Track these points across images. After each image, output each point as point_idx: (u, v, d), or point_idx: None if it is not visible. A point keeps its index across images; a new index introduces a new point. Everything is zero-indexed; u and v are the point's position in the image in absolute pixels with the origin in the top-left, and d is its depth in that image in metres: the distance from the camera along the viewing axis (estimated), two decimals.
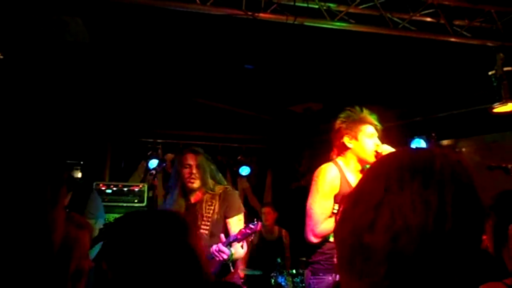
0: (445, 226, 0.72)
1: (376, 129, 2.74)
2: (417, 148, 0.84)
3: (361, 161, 2.69)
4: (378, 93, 4.91)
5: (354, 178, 2.67)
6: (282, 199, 6.32)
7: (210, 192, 2.83)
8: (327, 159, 2.78)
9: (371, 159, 2.65)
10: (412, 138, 5.08)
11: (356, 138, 2.68)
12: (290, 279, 4.40)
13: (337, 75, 4.61)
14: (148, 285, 1.14)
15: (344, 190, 2.58)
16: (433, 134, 5.09)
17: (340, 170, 2.67)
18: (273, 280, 4.51)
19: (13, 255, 0.86)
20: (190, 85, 4.97)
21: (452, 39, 3.53)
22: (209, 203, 2.81)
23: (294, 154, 6.49)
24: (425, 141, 5.06)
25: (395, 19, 3.43)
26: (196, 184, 2.83)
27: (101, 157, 5.77)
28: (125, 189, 5.05)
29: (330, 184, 2.62)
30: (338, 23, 3.28)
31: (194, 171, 2.83)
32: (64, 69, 4.15)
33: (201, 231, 2.73)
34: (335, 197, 2.62)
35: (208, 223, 2.76)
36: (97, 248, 3.32)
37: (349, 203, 0.81)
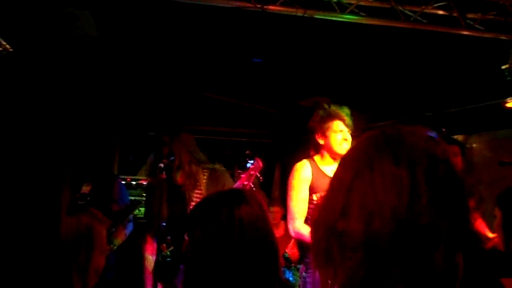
0: (419, 205, 0.67)
1: (345, 124, 2.83)
2: (384, 128, 0.78)
3: (334, 156, 2.80)
4: (389, 87, 4.86)
5: (331, 170, 2.75)
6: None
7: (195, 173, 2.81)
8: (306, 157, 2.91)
9: (343, 153, 2.70)
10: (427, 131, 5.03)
11: (325, 135, 2.82)
12: (298, 273, 4.38)
13: (347, 70, 4.56)
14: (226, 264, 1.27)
15: (319, 181, 2.72)
16: (444, 130, 5.03)
17: (314, 164, 2.82)
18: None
19: (17, 248, 0.86)
20: (199, 79, 4.96)
21: (465, 32, 3.48)
22: (197, 181, 2.79)
23: (302, 148, 6.46)
24: (435, 136, 5.00)
25: (407, 11, 3.37)
26: (183, 162, 2.80)
27: (110, 151, 5.78)
28: (134, 182, 5.06)
29: (301, 178, 2.76)
30: (348, 16, 3.23)
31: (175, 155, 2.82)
32: (72, 63, 4.16)
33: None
34: (310, 188, 2.74)
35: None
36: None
37: (324, 194, 0.79)
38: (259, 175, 2.66)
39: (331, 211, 0.73)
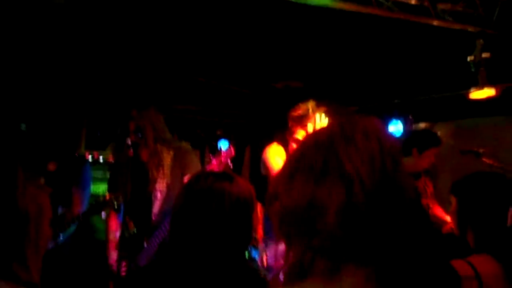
0: (387, 174, 0.78)
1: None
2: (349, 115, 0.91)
3: None
4: (358, 73, 4.92)
5: None
6: (259, 175, 6.35)
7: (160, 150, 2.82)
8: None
9: None
10: (389, 119, 5.14)
11: (306, 131, 2.96)
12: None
13: (319, 53, 4.59)
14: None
15: None
16: (410, 117, 5.16)
17: None
18: (247, 253, 4.57)
19: None
20: (171, 57, 4.88)
21: (435, 23, 3.54)
22: (162, 158, 2.80)
23: (273, 130, 6.50)
24: (402, 123, 5.12)
25: None
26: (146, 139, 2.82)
27: (77, 126, 5.65)
28: (101, 158, 4.98)
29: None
30: (321, 0, 3.23)
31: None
32: (38, 31, 4.01)
33: (157, 187, 2.72)
34: None
35: (164, 179, 2.75)
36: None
37: (288, 171, 0.84)
38: (229, 162, 2.69)
39: (308, 182, 0.80)
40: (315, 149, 0.82)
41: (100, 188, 3.43)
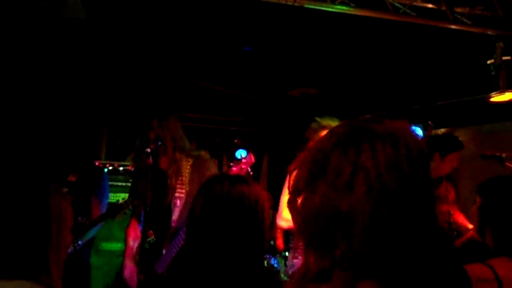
0: (410, 188, 0.77)
1: None
2: (366, 118, 0.88)
3: None
4: (376, 79, 4.90)
5: None
6: (278, 183, 6.34)
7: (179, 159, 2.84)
8: None
9: None
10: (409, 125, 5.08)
11: None
12: (283, 261, 4.45)
13: (336, 61, 4.59)
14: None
15: None
16: (430, 123, 5.09)
17: None
18: (266, 262, 4.56)
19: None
20: (189, 67, 4.94)
21: (453, 27, 3.51)
22: (181, 166, 2.82)
23: (290, 138, 6.50)
24: (422, 129, 5.06)
25: (396, 4, 3.39)
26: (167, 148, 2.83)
27: (98, 136, 5.75)
28: (121, 168, 5.05)
29: None
30: (338, 6, 3.24)
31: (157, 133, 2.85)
32: (61, 46, 4.12)
33: (177, 195, 2.74)
34: None
35: (183, 187, 2.77)
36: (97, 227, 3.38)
37: (312, 171, 0.83)
38: (249, 170, 2.70)
39: (333, 194, 0.78)
40: (341, 155, 0.80)
41: (120, 197, 3.49)
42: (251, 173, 2.72)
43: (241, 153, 6.42)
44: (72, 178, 3.45)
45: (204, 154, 2.95)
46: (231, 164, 2.72)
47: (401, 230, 0.75)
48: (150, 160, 2.74)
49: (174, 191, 2.78)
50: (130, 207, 3.19)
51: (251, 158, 2.66)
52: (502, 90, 3.58)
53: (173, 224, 2.72)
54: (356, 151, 0.79)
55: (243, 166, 2.64)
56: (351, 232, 0.75)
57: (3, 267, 0.98)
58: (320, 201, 0.79)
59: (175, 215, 2.74)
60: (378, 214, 0.75)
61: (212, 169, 2.91)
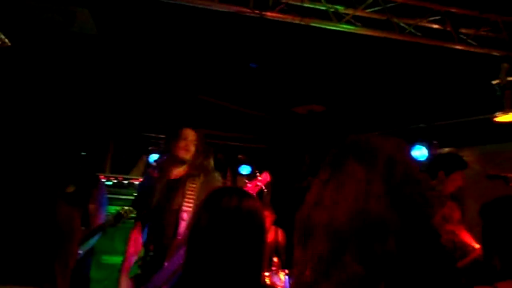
0: (372, 201, 0.79)
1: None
2: (352, 136, 0.92)
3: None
4: (382, 97, 4.92)
5: None
6: (281, 200, 6.32)
7: (195, 170, 2.85)
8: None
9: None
10: (414, 144, 5.08)
11: None
12: (284, 277, 4.40)
13: (341, 78, 4.62)
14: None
15: None
16: (435, 142, 5.09)
17: None
18: (268, 280, 4.51)
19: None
20: (194, 82, 4.99)
21: (458, 47, 3.54)
22: (192, 180, 2.82)
23: (295, 155, 6.50)
24: (426, 148, 5.06)
25: (402, 24, 3.43)
26: (188, 156, 2.85)
27: (103, 150, 5.78)
28: (125, 182, 5.06)
29: None
30: (344, 26, 3.28)
31: (190, 144, 2.88)
32: (70, 60, 4.17)
33: (185, 208, 2.74)
34: None
35: (191, 201, 2.76)
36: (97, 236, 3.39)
37: (334, 181, 0.85)
38: (264, 188, 2.70)
39: (308, 205, 0.85)
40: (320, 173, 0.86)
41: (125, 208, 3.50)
42: (265, 190, 2.72)
43: (243, 170, 6.42)
44: (69, 190, 3.47)
45: (217, 175, 2.98)
46: (246, 181, 2.72)
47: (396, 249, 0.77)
48: (156, 173, 2.75)
49: (183, 204, 2.78)
50: (130, 215, 3.21)
51: (267, 176, 2.68)
52: (506, 110, 3.59)
53: (179, 237, 2.71)
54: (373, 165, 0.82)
55: (258, 183, 2.65)
56: (316, 236, 0.81)
57: (9, 274, 0.98)
58: (347, 207, 0.82)
59: (181, 229, 2.73)
60: (334, 223, 0.79)
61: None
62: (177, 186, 2.82)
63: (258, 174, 2.68)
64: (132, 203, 3.22)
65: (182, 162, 2.87)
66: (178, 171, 2.88)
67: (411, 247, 0.78)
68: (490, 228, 1.71)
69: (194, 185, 2.80)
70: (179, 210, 2.76)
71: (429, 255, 0.80)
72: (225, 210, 1.43)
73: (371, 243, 0.77)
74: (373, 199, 0.78)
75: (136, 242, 3.01)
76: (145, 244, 2.93)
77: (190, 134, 2.90)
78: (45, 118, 4.32)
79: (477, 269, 3.01)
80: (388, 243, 0.77)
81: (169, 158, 2.89)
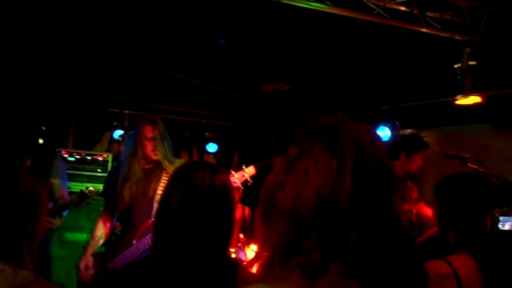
0: (340, 190, 0.80)
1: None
2: (328, 118, 0.92)
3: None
4: (347, 78, 4.98)
5: None
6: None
7: (168, 164, 2.86)
8: None
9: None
10: (377, 125, 5.20)
11: None
12: (250, 253, 4.46)
13: (308, 58, 4.64)
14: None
15: None
16: (398, 123, 5.22)
17: None
18: (234, 256, 4.56)
19: None
20: (161, 57, 4.88)
21: (423, 30, 3.61)
22: (166, 172, 2.83)
23: (262, 133, 6.53)
24: (390, 129, 5.19)
25: (370, 4, 3.46)
26: (159, 156, 2.87)
27: (65, 125, 5.61)
28: (88, 157, 4.94)
29: None
30: (314, 4, 3.28)
31: (157, 143, 2.86)
32: (28, 29, 3.97)
33: (160, 192, 2.74)
34: None
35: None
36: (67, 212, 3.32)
37: (290, 162, 0.88)
38: (249, 180, 2.71)
39: (273, 184, 0.85)
40: (289, 153, 0.87)
41: (88, 186, 3.42)
42: (250, 182, 2.73)
43: (209, 148, 6.40)
44: (27, 163, 3.37)
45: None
46: (231, 170, 2.72)
47: (361, 227, 0.79)
48: (121, 147, 2.71)
49: (157, 187, 2.78)
50: (95, 197, 3.16)
51: (254, 170, 2.69)
52: (467, 94, 3.72)
53: (152, 219, 2.69)
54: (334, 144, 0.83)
55: (243, 175, 2.66)
56: (278, 218, 0.82)
57: None
58: (265, 187, 0.87)
59: (154, 210, 2.72)
60: (297, 208, 0.80)
61: None
62: (151, 174, 2.83)
63: (244, 167, 2.69)
64: (102, 191, 3.17)
65: (152, 161, 2.88)
66: (153, 162, 2.88)
67: (372, 239, 0.80)
68: (444, 204, 1.76)
69: (167, 172, 2.80)
70: (153, 196, 2.77)
71: (390, 245, 0.83)
72: (199, 186, 1.39)
73: (332, 233, 0.78)
74: (339, 189, 0.79)
75: (105, 224, 2.99)
76: (112, 223, 2.92)
77: (150, 132, 2.86)
78: (5, 91, 4.13)
79: (433, 244, 3.15)
80: (349, 235, 0.78)
81: (136, 155, 2.86)
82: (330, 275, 0.78)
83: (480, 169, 3.17)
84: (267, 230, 0.84)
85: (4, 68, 4.07)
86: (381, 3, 3.46)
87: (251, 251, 4.55)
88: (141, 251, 2.62)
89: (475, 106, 3.80)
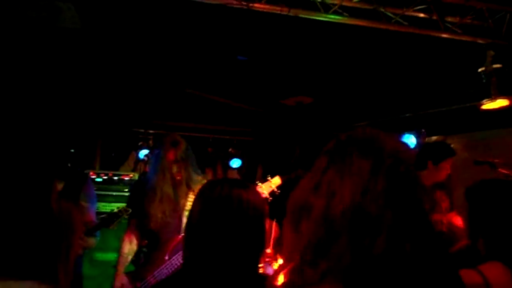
0: (372, 195, 0.80)
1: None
2: (360, 129, 0.93)
3: None
4: (369, 87, 4.94)
5: None
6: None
7: (192, 183, 2.90)
8: None
9: None
10: (402, 133, 5.13)
11: None
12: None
13: (329, 69, 4.63)
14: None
15: None
16: (423, 130, 5.14)
17: None
18: (261, 271, 4.53)
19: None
20: (183, 75, 4.96)
21: (444, 35, 3.57)
22: (192, 190, 2.88)
23: (285, 147, 6.52)
24: (415, 136, 5.11)
25: (389, 13, 3.45)
26: (183, 177, 2.91)
27: (92, 146, 5.74)
28: (115, 178, 5.02)
29: None
30: (332, 16, 3.29)
31: (180, 165, 2.91)
32: (55, 56, 4.11)
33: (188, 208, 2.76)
34: None
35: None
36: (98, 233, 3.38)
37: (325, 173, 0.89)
38: (276, 190, 2.73)
39: (306, 188, 0.86)
40: (321, 160, 0.88)
41: (115, 207, 3.47)
42: (278, 192, 2.74)
43: (233, 163, 6.42)
44: (58, 187, 3.44)
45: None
46: (257, 182, 2.74)
47: (396, 237, 0.78)
48: (147, 168, 2.75)
49: (185, 204, 2.82)
50: (126, 216, 3.20)
51: (280, 180, 2.71)
52: (493, 98, 3.63)
53: (182, 234, 2.72)
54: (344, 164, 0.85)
55: (270, 186, 2.68)
56: (311, 221, 0.82)
57: (10, 268, 0.98)
58: (297, 193, 0.88)
59: (183, 225, 2.75)
60: (329, 212, 0.81)
61: None
62: (178, 191, 2.86)
63: (269, 177, 2.71)
64: (127, 202, 3.21)
65: (178, 181, 2.91)
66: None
67: (403, 246, 0.79)
68: (475, 211, 1.71)
69: (193, 190, 2.84)
70: (182, 213, 2.81)
71: (422, 252, 0.82)
72: (216, 199, 1.42)
73: (362, 238, 0.78)
74: (372, 196, 0.79)
75: (131, 241, 3.02)
76: (139, 241, 2.95)
77: (174, 155, 2.90)
78: (34, 115, 4.26)
79: (464, 254, 3.06)
80: (379, 241, 0.78)
81: (163, 176, 2.90)
82: (360, 281, 0.78)
83: (511, 174, 3.09)
84: (297, 235, 0.85)
85: (34, 94, 4.21)
86: (399, 11, 3.45)
87: (278, 266, 4.51)
88: (175, 266, 2.63)
89: (501, 110, 3.71)
